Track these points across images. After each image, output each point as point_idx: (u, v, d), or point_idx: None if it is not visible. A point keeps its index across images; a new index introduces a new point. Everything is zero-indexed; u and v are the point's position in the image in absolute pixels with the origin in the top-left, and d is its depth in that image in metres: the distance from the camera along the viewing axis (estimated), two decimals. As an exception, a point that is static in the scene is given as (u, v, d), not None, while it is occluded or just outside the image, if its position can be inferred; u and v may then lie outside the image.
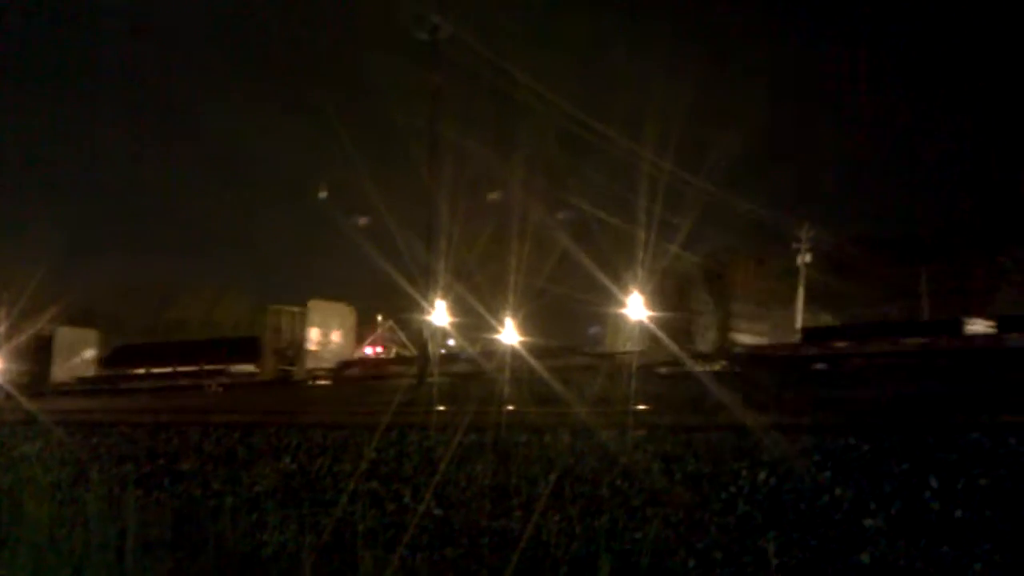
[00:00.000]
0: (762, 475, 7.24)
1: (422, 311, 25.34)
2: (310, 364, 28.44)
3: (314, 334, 29.29)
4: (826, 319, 57.66)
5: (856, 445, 7.13)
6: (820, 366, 20.98)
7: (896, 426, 7.14)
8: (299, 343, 28.94)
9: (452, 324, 27.34)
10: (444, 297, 25.74)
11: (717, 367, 19.69)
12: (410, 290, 25.85)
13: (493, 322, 27.42)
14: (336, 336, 30.28)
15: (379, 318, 50.96)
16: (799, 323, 51.27)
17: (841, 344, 23.83)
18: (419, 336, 28.68)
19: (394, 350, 44.98)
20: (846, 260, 58.45)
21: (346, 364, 28.21)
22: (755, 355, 24.47)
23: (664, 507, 7.23)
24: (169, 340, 42.01)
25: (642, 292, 29.94)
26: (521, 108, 30.25)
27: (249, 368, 28.75)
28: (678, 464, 7.59)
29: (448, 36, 25.52)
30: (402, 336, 49.77)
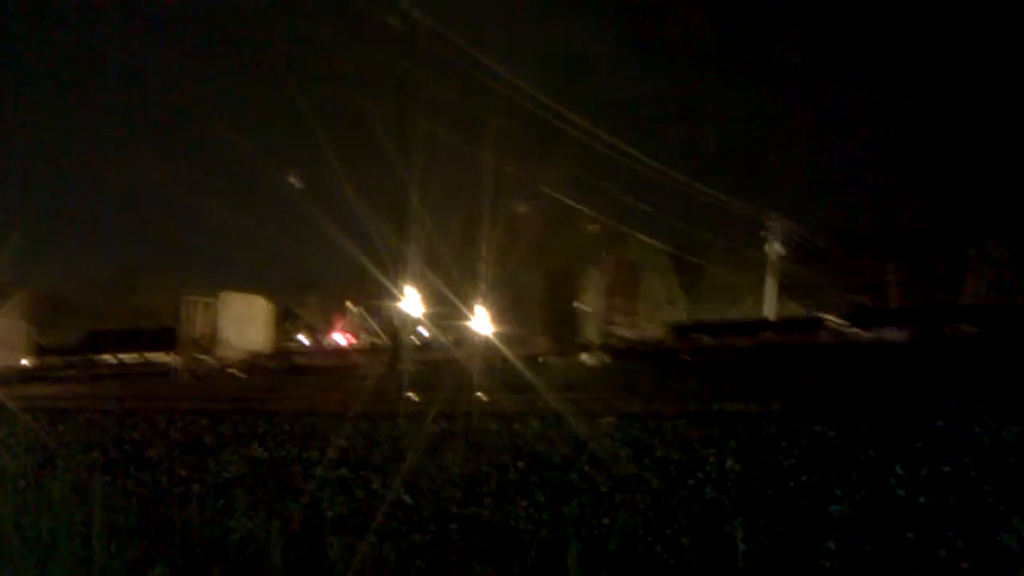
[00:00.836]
0: (729, 462, 7.30)
1: (393, 299, 25.33)
2: (223, 354, 28.73)
3: (227, 325, 29.53)
4: (795, 309, 58.19)
5: (822, 432, 7.21)
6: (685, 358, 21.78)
7: (864, 413, 7.22)
8: (212, 334, 29.09)
9: (424, 312, 27.36)
10: (416, 285, 25.73)
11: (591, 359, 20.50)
12: (381, 278, 25.84)
13: (464, 310, 27.45)
14: (250, 327, 30.25)
15: (348, 305, 50.89)
16: (771, 313, 51.71)
17: (706, 339, 24.80)
18: (390, 324, 28.73)
19: (363, 337, 44.98)
20: (816, 251, 58.98)
21: (258, 355, 28.39)
22: (630, 348, 25.37)
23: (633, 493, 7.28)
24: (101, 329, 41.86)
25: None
26: (491, 96, 30.24)
27: (165, 357, 29.05)
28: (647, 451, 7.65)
29: (421, 25, 25.47)
30: (373, 324, 49.74)
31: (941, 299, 54.39)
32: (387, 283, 25.93)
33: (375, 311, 47.65)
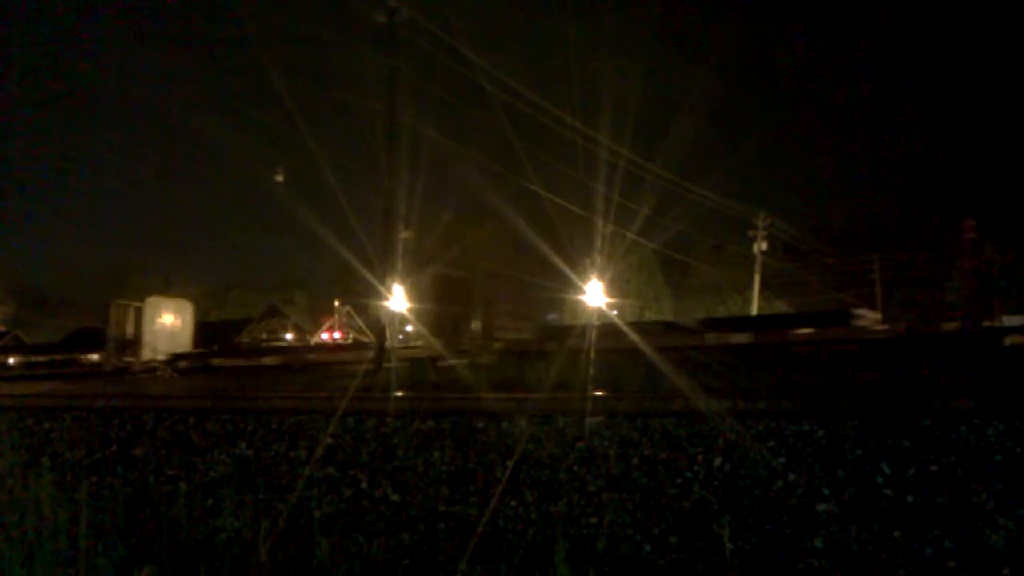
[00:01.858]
0: (717, 461, 7.31)
1: (380, 296, 25.29)
2: (146, 355, 30.01)
3: (152, 327, 30.84)
4: (780, 307, 58.39)
5: (810, 431, 7.23)
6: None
7: (851, 413, 7.24)
8: (137, 336, 30.37)
9: (410, 310, 27.35)
10: (403, 283, 25.69)
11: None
12: (368, 275, 25.80)
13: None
14: (174, 329, 31.72)
15: (336, 303, 50.85)
16: (755, 310, 51.86)
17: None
18: (377, 322, 28.71)
19: (351, 335, 44.97)
20: (803, 248, 59.22)
21: (179, 356, 29.95)
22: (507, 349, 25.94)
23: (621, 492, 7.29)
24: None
25: (600, 279, 30.12)
26: (478, 93, 30.23)
27: (95, 358, 31.56)
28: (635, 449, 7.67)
29: (406, 20, 25.42)
30: (359, 322, 49.69)
31: (927, 296, 54.73)
32: (374, 281, 25.90)
33: (362, 309, 47.63)
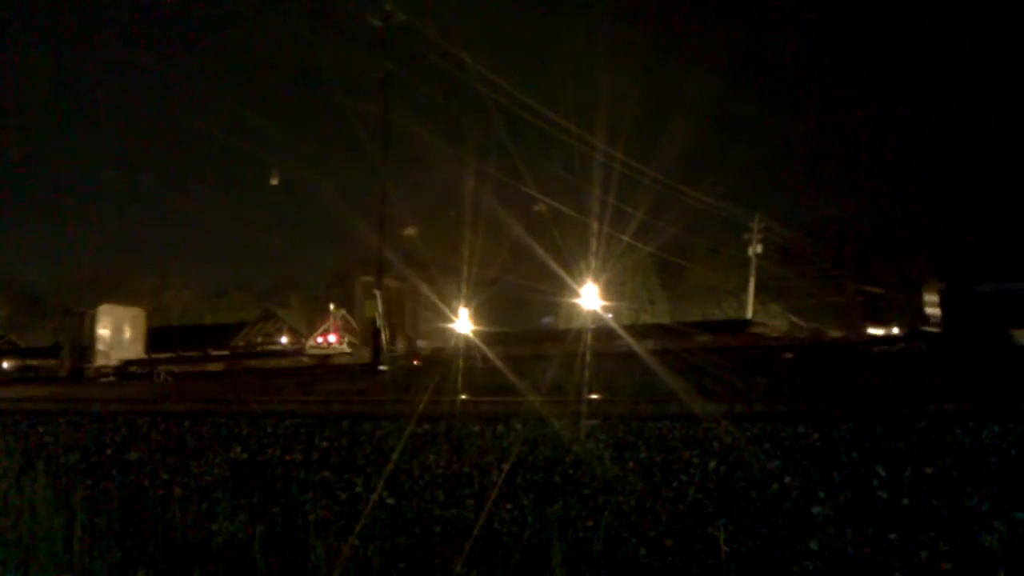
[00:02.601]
0: (712, 463, 7.32)
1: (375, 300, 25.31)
2: (100, 361, 31.18)
3: (104, 335, 31.98)
4: (776, 310, 58.46)
5: (806, 434, 7.24)
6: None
7: (846, 415, 7.25)
8: (91, 342, 31.49)
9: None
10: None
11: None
12: (364, 279, 25.80)
13: (447, 311, 27.45)
14: (126, 337, 32.92)
15: (331, 307, 50.81)
16: (750, 312, 51.96)
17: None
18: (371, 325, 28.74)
19: (346, 339, 44.96)
20: (797, 251, 59.29)
21: (129, 362, 31.27)
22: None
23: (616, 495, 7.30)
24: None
25: (595, 282, 30.19)
26: (473, 96, 30.28)
27: (51, 363, 32.62)
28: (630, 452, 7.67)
29: (400, 24, 25.45)
30: (355, 325, 49.66)
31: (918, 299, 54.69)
32: (370, 284, 25.90)
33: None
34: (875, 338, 32.91)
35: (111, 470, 10.05)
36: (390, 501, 7.99)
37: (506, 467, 7.91)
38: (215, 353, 31.41)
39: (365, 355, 27.08)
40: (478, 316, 28.98)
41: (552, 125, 33.08)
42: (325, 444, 9.16)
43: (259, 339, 61.50)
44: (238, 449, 9.63)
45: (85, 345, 31.39)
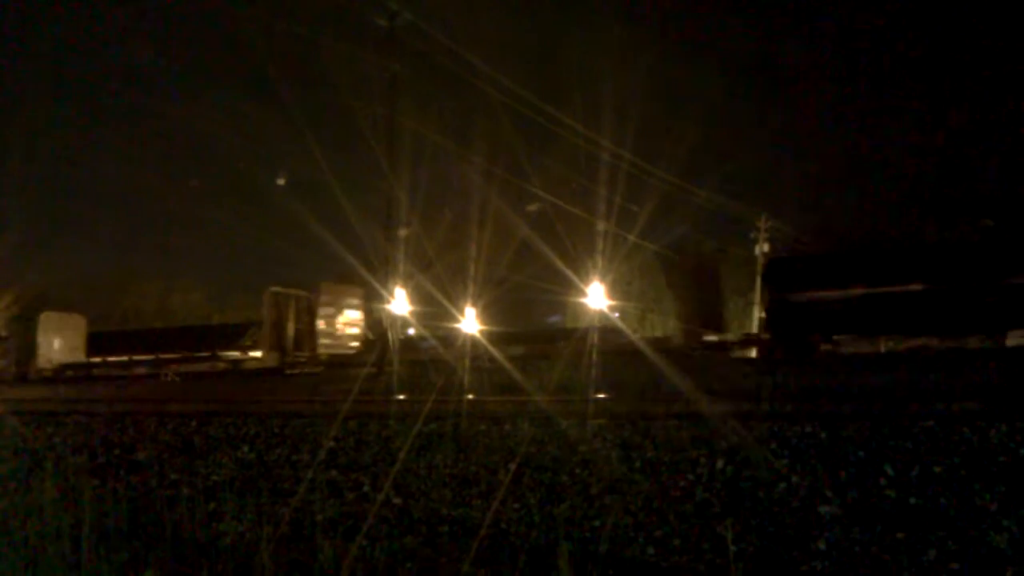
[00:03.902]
0: (720, 463, 7.31)
1: (382, 300, 25.32)
2: (42, 364, 32.84)
3: (45, 340, 33.57)
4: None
5: (813, 433, 7.22)
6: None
7: (853, 415, 7.23)
8: (32, 347, 33.13)
9: (412, 313, 27.44)
10: (404, 286, 25.73)
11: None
12: (369, 278, 25.84)
13: (453, 311, 27.44)
14: (67, 342, 34.45)
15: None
16: (756, 312, 51.86)
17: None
18: (378, 325, 28.82)
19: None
20: (804, 251, 59.14)
21: (67, 366, 32.77)
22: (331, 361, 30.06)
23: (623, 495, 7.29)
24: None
25: (602, 281, 30.17)
26: (479, 96, 30.30)
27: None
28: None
29: (406, 23, 25.44)
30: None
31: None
32: (376, 284, 25.95)
33: (365, 312, 47.63)
34: (707, 343, 33.53)
35: (119, 470, 10.08)
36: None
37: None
38: (139, 358, 32.57)
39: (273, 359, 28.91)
40: (485, 315, 29.00)
41: (559, 124, 33.04)
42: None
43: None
44: (245, 449, 9.66)
45: (30, 349, 32.92)
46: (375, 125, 25.47)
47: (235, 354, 30.57)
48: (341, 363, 28.67)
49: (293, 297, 30.13)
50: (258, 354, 29.42)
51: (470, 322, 27.41)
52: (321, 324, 30.84)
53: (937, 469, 6.53)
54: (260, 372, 27.46)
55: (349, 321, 32.73)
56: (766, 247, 54.16)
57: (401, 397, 11.83)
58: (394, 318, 25.60)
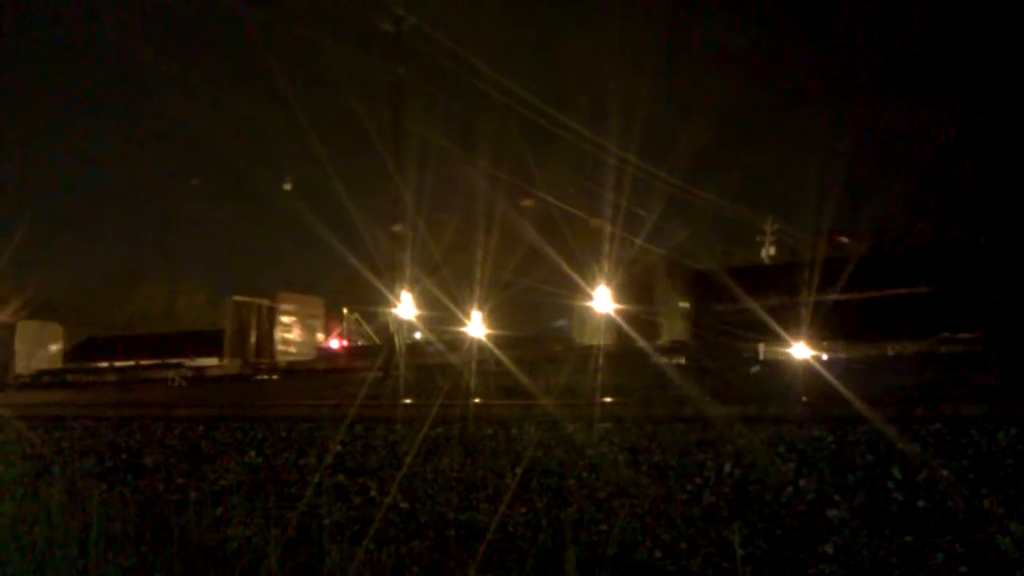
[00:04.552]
0: (727, 467, 7.30)
1: (388, 304, 25.30)
2: (20, 370, 33.21)
3: (22, 348, 34.27)
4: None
5: (820, 437, 7.21)
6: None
7: (861, 418, 7.22)
8: (10, 354, 33.67)
9: (418, 317, 27.46)
10: (410, 290, 25.71)
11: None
12: (376, 282, 25.84)
13: (460, 315, 27.42)
14: (42, 349, 35.31)
15: (344, 311, 50.88)
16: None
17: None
18: (385, 329, 28.85)
19: (359, 342, 45.05)
20: (810, 254, 58.96)
21: (43, 372, 33.29)
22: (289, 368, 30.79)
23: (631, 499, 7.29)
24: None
25: (608, 285, 30.14)
26: (484, 99, 30.32)
27: None
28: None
29: (412, 27, 25.44)
30: (368, 329, 49.72)
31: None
32: (382, 288, 25.95)
33: (370, 316, 47.67)
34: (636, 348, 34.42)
35: (126, 475, 10.10)
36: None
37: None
38: (118, 365, 33.28)
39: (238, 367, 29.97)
40: (491, 319, 28.96)
41: (563, 128, 33.07)
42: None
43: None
44: (252, 453, 9.68)
45: (9, 356, 33.45)
46: (381, 129, 25.48)
47: (204, 362, 31.32)
48: (297, 371, 29.57)
49: (255, 306, 31.20)
50: (216, 361, 30.39)
51: (476, 326, 27.38)
52: (280, 332, 31.58)
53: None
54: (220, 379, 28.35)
55: (308, 330, 33.48)
56: (772, 251, 54.09)
57: (408, 401, 11.83)
58: (400, 322, 25.58)
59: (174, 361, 32.08)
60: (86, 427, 11.37)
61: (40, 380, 31.83)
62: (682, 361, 23.67)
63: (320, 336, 36.03)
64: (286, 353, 31.54)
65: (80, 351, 37.73)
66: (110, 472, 10.20)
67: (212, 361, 31.14)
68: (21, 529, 7.34)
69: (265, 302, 31.50)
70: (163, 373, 30.15)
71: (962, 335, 20.44)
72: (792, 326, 20.41)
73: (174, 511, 8.16)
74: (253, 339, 30.69)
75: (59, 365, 34.85)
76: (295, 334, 32.34)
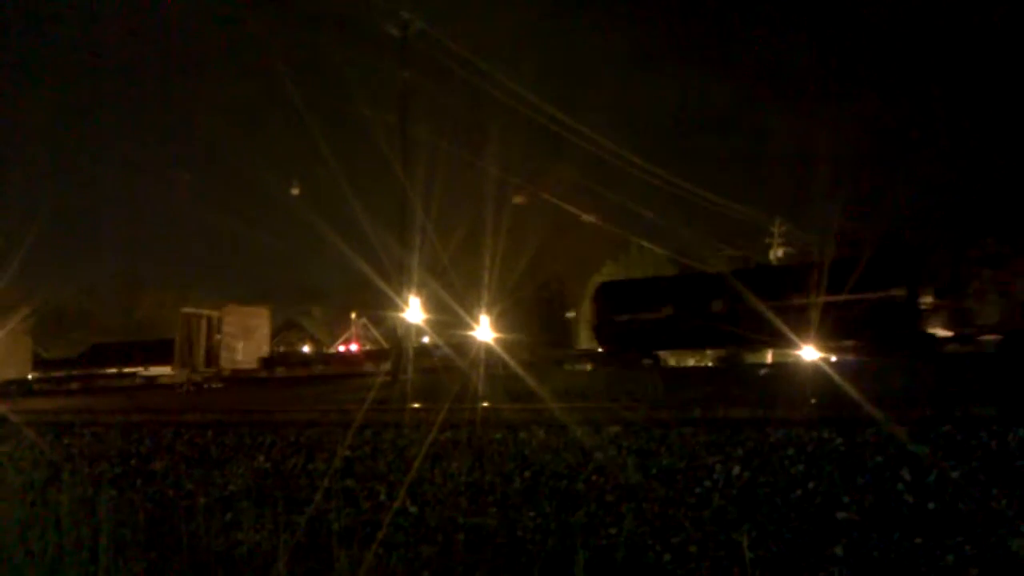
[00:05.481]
0: (736, 469, 7.29)
1: (396, 308, 25.31)
2: None
3: None
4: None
5: (829, 439, 7.19)
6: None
7: (870, 420, 7.20)
8: None
9: (426, 321, 27.45)
10: (418, 294, 25.71)
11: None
12: (384, 287, 25.85)
13: (467, 319, 27.43)
14: (12, 358, 35.82)
15: (353, 316, 50.96)
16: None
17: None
18: (393, 333, 28.88)
19: (368, 347, 45.12)
20: (818, 256, 58.79)
21: (10, 382, 33.07)
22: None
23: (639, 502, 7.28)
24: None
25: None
26: (492, 103, 30.33)
27: None
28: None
29: (418, 32, 25.47)
30: (375, 332, 49.77)
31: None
32: (390, 292, 25.95)
33: (379, 320, 47.74)
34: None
35: (136, 481, 10.11)
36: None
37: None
38: (75, 373, 34.09)
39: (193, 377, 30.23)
40: (499, 322, 28.94)
41: (569, 130, 33.10)
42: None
43: (280, 348, 61.70)
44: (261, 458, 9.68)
45: None
46: (389, 133, 25.51)
47: (156, 370, 32.63)
48: (241, 379, 30.47)
49: (204, 317, 32.12)
50: (168, 370, 31.16)
51: (484, 330, 27.37)
52: (224, 342, 32.31)
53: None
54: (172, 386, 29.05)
55: (252, 339, 34.09)
56: (780, 252, 53.94)
57: (416, 405, 11.82)
58: (408, 326, 25.57)
59: (129, 371, 33.05)
60: (96, 433, 11.38)
61: (9, 388, 31.89)
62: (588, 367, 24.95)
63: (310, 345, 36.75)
64: (231, 361, 32.30)
65: (88, 357, 38.21)
66: (120, 478, 10.21)
67: (165, 370, 32.28)
68: (32, 535, 7.35)
69: (214, 313, 32.49)
70: (121, 382, 31.38)
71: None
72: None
73: (183, 517, 8.17)
74: (201, 348, 31.50)
75: (26, 373, 35.45)
76: (240, 343, 33.03)
